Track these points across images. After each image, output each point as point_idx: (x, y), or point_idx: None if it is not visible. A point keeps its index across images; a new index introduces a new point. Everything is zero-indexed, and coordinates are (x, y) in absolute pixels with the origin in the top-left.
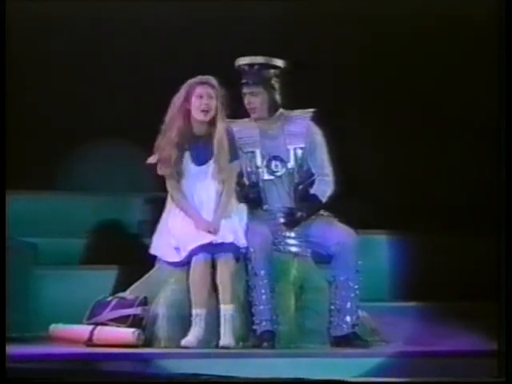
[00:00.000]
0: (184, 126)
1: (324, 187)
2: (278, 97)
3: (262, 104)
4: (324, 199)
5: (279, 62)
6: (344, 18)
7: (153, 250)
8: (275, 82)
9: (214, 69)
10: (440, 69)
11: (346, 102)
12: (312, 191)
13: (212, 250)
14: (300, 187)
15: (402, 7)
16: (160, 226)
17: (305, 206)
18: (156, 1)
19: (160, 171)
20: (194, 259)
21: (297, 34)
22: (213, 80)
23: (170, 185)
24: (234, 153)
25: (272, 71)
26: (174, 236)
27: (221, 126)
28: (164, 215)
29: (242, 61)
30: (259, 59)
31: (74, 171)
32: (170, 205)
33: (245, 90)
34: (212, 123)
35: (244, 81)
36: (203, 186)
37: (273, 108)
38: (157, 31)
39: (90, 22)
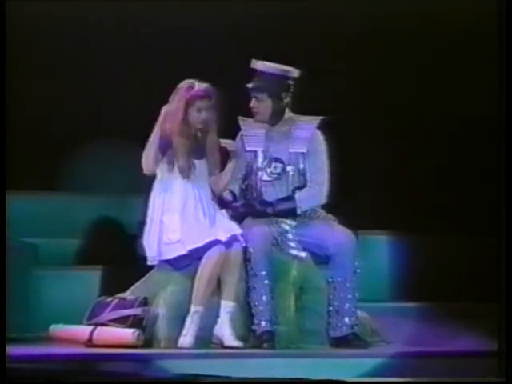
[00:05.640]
0: (187, 134)
1: (307, 195)
2: (283, 105)
3: (265, 110)
4: (301, 207)
5: (292, 72)
6: (336, 18)
7: (150, 256)
8: (283, 92)
9: (215, 69)
10: (440, 70)
11: (346, 102)
12: (295, 194)
13: (224, 245)
14: (297, 191)
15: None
16: (149, 228)
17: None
18: (156, 0)
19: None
20: (206, 254)
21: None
22: (211, 91)
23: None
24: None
25: (282, 81)
26: (173, 231)
27: (213, 137)
28: (154, 214)
29: (254, 65)
30: (270, 67)
31: (74, 171)
32: (160, 203)
33: (251, 93)
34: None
35: (251, 85)
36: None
37: (276, 115)
38: (157, 31)
39: (90, 22)
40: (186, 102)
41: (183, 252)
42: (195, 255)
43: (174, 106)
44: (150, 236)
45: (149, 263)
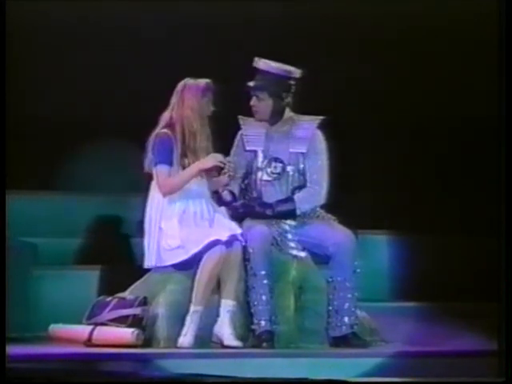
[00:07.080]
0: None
1: (307, 195)
2: (284, 105)
3: (265, 109)
4: (301, 208)
5: (294, 73)
6: (336, 18)
7: (148, 260)
8: (284, 92)
9: (216, 68)
10: (440, 70)
11: (346, 102)
12: (295, 196)
13: (225, 244)
14: (297, 191)
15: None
16: (149, 232)
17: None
18: (156, 0)
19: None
20: (207, 254)
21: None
22: (212, 85)
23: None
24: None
25: (283, 81)
26: (172, 237)
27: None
28: (152, 219)
29: (256, 63)
30: (273, 67)
31: (74, 171)
32: (159, 208)
33: (252, 91)
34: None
35: (252, 83)
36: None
37: (276, 115)
38: (157, 30)
39: (90, 22)
40: (200, 91)
41: (185, 257)
42: (197, 257)
43: (190, 103)
44: (149, 242)
45: (146, 267)
